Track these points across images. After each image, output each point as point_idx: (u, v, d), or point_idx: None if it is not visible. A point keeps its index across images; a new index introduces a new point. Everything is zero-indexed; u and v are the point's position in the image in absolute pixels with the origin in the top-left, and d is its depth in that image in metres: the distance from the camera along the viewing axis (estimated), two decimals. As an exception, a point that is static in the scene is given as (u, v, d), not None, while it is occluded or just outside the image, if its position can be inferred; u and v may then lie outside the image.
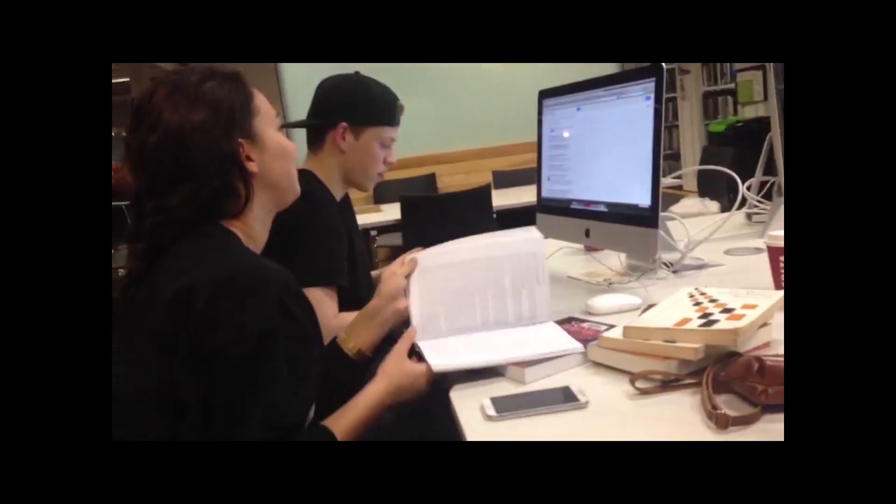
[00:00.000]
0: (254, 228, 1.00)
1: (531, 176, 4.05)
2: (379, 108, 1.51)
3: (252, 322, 0.84)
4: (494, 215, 3.55)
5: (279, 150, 1.01)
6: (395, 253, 4.01)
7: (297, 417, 0.88)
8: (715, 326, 0.92)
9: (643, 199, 1.34)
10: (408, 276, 1.16)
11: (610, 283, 1.49)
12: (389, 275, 1.16)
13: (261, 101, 1.01)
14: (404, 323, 1.16)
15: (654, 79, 1.30)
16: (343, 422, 0.97)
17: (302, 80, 4.63)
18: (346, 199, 1.61)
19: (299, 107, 3.83)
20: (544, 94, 1.72)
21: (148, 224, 0.93)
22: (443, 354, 1.07)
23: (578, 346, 1.05)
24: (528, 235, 1.22)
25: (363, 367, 1.12)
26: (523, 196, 3.83)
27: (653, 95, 1.30)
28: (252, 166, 0.97)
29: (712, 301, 1.02)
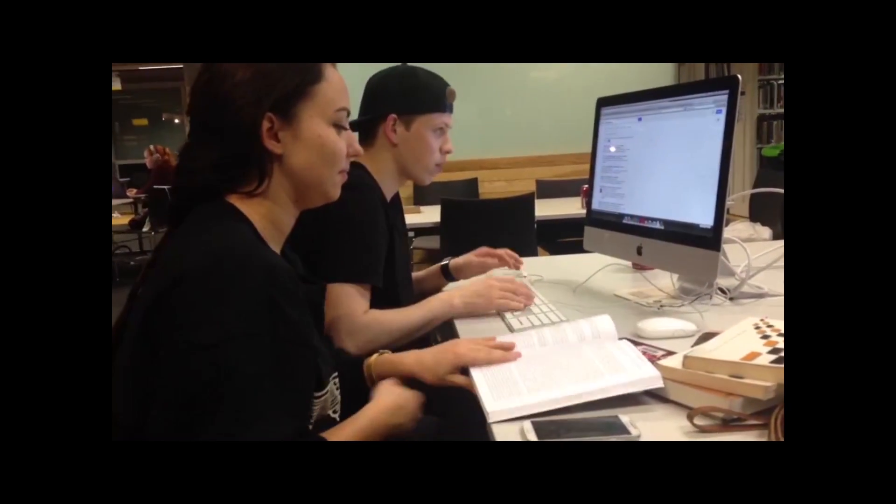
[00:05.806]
0: (275, 213, 0.93)
1: (575, 187, 4.01)
2: (427, 95, 1.45)
3: (233, 319, 0.76)
4: (535, 225, 3.47)
5: (315, 144, 0.93)
6: (430, 256, 3.95)
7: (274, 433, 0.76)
8: (787, 364, 0.83)
9: (705, 219, 1.26)
10: None
11: (661, 306, 1.40)
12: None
13: (328, 90, 0.94)
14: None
15: (727, 91, 1.21)
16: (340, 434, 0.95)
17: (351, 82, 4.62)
18: (396, 197, 1.55)
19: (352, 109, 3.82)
20: (603, 102, 1.64)
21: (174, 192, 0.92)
22: (498, 389, 0.96)
23: (657, 376, 0.92)
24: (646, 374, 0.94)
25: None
26: (566, 207, 3.74)
27: (724, 109, 1.22)
28: (276, 147, 0.91)
29: (782, 335, 0.93)
